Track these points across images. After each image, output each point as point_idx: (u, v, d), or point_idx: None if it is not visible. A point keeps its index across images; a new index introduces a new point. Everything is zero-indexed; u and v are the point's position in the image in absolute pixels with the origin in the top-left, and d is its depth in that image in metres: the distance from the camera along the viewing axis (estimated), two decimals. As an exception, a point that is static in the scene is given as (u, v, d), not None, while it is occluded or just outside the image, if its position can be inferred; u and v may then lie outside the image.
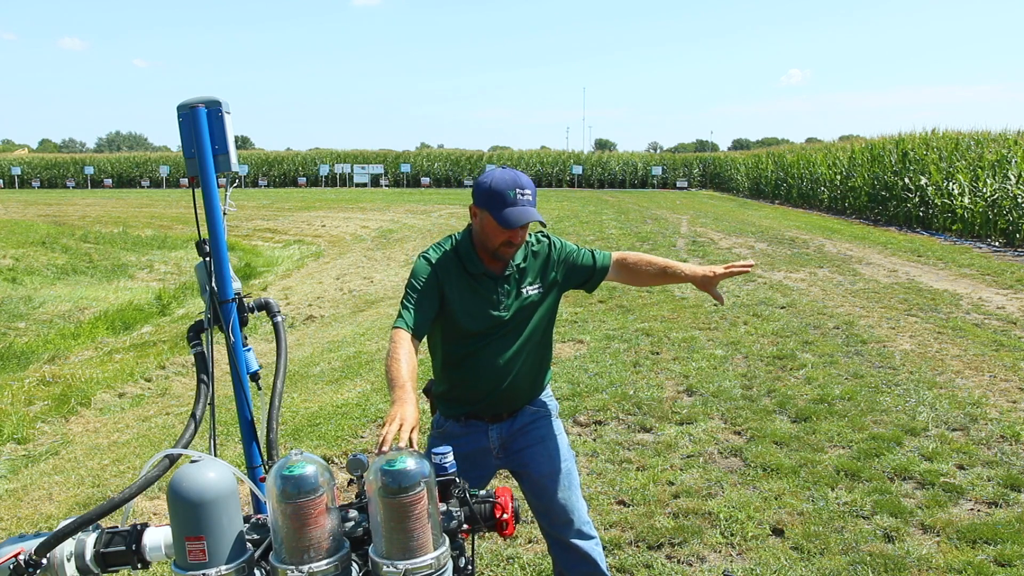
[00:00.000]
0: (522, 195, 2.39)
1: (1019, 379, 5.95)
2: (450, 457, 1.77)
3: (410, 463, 1.48)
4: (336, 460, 4.74)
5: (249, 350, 2.30)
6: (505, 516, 1.73)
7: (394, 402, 2.12)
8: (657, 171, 47.70)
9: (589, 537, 2.69)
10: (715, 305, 8.97)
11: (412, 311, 2.42)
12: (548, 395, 2.72)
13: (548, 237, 2.62)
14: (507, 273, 2.52)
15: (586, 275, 2.62)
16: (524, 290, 2.52)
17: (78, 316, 10.24)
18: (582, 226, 19.25)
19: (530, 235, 2.59)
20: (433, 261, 2.50)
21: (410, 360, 2.30)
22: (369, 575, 1.54)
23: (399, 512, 1.47)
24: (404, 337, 2.36)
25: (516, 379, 2.56)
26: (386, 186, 47.52)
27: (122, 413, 6.33)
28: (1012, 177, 15.49)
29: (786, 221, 20.99)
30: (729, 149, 73.44)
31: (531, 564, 3.45)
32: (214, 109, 2.21)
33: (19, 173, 51.45)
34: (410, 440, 1.91)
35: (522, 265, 2.54)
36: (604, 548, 3.51)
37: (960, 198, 16.90)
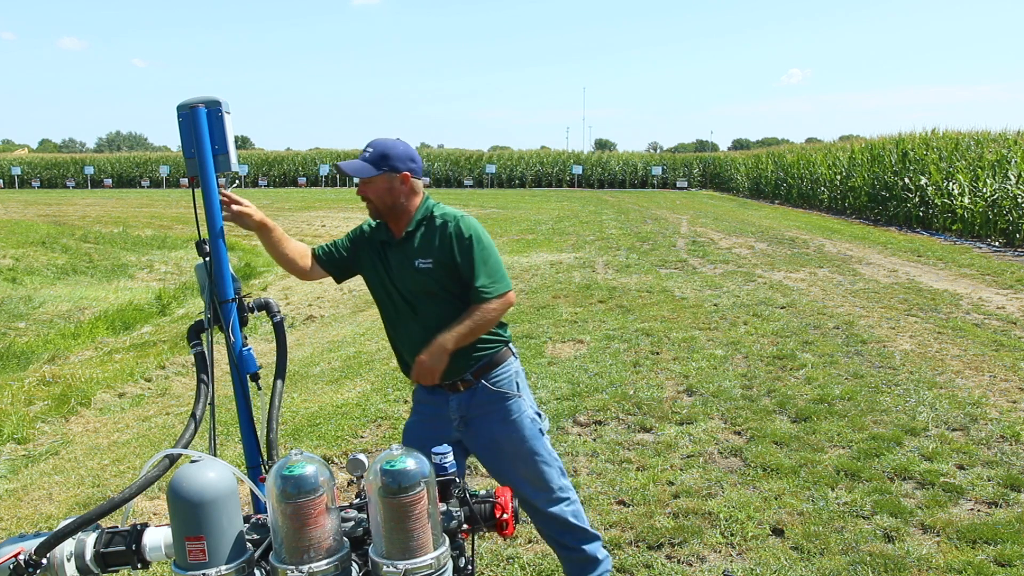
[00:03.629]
0: (364, 152, 2.67)
1: (1019, 379, 5.95)
2: (450, 457, 1.77)
3: (410, 463, 1.49)
4: (336, 460, 4.74)
5: (249, 350, 2.30)
6: (505, 516, 1.74)
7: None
8: (657, 171, 47.68)
9: (557, 501, 2.82)
10: (715, 305, 8.98)
11: (331, 243, 2.87)
12: (506, 372, 2.77)
13: (457, 220, 2.68)
14: (400, 239, 2.71)
15: (464, 284, 2.69)
16: (416, 262, 2.66)
17: (78, 316, 10.24)
18: (582, 226, 19.25)
19: (438, 209, 2.73)
20: (363, 224, 2.87)
21: (298, 246, 2.80)
22: (369, 575, 1.54)
23: (399, 512, 1.47)
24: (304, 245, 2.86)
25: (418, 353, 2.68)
26: (386, 186, 47.41)
27: (122, 413, 6.33)
28: (1012, 177, 15.49)
29: (786, 221, 21.00)
30: (729, 149, 73.38)
31: (531, 564, 3.45)
32: (214, 109, 2.21)
33: (19, 173, 51.42)
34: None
35: (411, 230, 2.70)
36: (604, 548, 3.52)
37: (960, 198, 16.90)
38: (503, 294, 2.65)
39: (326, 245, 2.89)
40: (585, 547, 2.90)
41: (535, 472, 2.76)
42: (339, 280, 2.94)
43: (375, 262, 2.78)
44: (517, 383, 2.78)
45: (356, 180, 2.69)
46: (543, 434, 2.82)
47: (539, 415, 2.84)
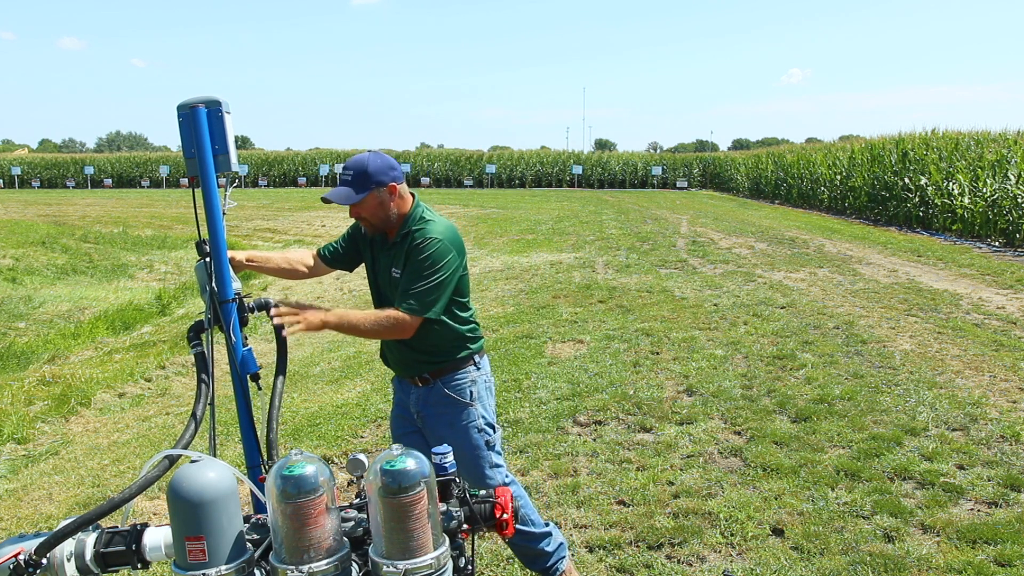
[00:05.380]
0: (344, 176, 2.72)
1: (1019, 379, 5.95)
2: (450, 457, 1.77)
3: (410, 463, 1.48)
4: (336, 460, 4.74)
5: (249, 350, 2.30)
6: (505, 516, 1.73)
7: None
8: (657, 171, 47.65)
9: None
10: (715, 305, 8.98)
11: (333, 242, 3.03)
12: (463, 379, 2.85)
13: (426, 238, 2.72)
14: (390, 244, 2.83)
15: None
16: (392, 270, 2.79)
17: (78, 316, 10.24)
18: (582, 226, 19.24)
19: (421, 223, 2.77)
20: None
21: (288, 255, 2.97)
22: (369, 575, 1.54)
23: (399, 512, 1.47)
24: (303, 250, 3.03)
25: (391, 343, 2.86)
26: (386, 186, 47.41)
27: (122, 413, 6.33)
28: (1012, 177, 15.49)
29: (786, 221, 20.99)
30: (729, 149, 73.36)
31: (531, 564, 3.44)
32: (214, 109, 2.21)
33: (19, 173, 51.38)
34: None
35: (396, 240, 2.80)
36: (604, 548, 3.53)
37: (960, 198, 16.90)
38: (411, 313, 2.66)
39: (330, 244, 3.05)
40: (532, 544, 3.03)
41: (476, 478, 2.84)
42: (351, 269, 3.07)
43: (368, 258, 2.95)
44: (472, 391, 2.86)
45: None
46: (490, 447, 2.89)
47: (491, 427, 2.91)
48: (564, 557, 3.13)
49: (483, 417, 2.89)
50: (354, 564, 1.55)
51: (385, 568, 1.48)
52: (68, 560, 1.58)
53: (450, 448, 1.80)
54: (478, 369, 2.91)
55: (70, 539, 1.59)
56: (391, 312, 2.68)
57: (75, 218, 25.20)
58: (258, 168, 50.99)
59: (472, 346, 2.90)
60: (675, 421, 5.19)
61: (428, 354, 2.83)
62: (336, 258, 3.01)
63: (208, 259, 2.25)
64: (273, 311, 2.42)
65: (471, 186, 46.86)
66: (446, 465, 1.75)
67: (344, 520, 1.64)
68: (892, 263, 12.42)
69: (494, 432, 2.93)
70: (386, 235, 2.86)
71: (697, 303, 9.09)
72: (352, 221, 2.91)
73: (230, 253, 2.51)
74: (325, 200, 2.70)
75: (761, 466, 4.42)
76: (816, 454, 4.57)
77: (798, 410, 5.30)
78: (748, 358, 6.67)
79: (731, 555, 3.51)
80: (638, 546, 3.59)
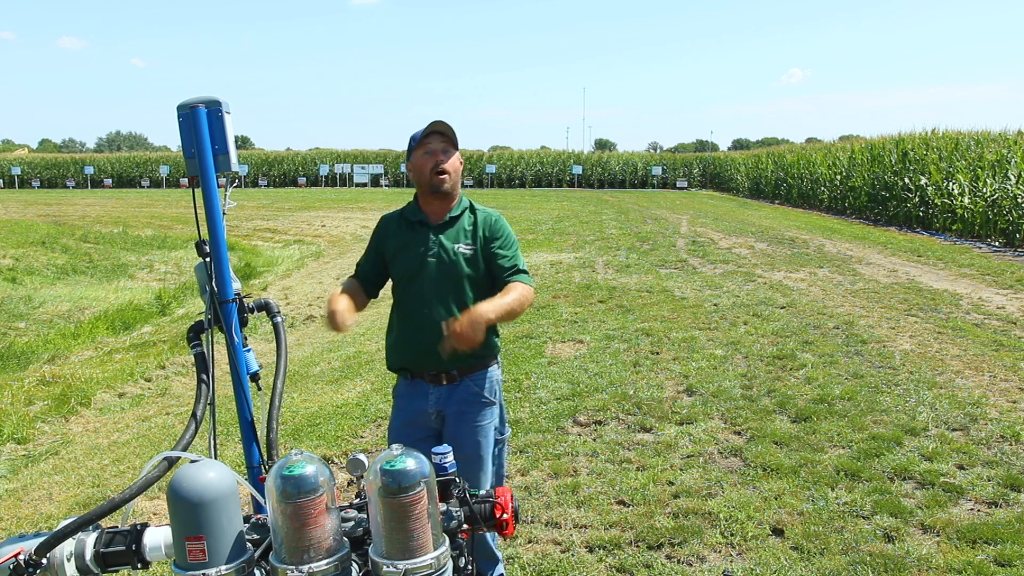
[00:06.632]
0: (440, 121, 2.68)
1: (1019, 379, 5.95)
2: (450, 457, 1.77)
3: (410, 463, 1.48)
4: (336, 460, 4.75)
5: (249, 350, 2.30)
6: (505, 516, 1.73)
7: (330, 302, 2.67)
8: (657, 171, 47.69)
9: None
10: (715, 305, 8.98)
11: (363, 259, 2.91)
12: (490, 377, 2.81)
13: (499, 217, 2.78)
14: (441, 223, 2.75)
15: (494, 272, 2.75)
16: (456, 246, 2.72)
17: (78, 316, 10.23)
18: (582, 226, 19.25)
19: (476, 203, 2.81)
20: (383, 219, 2.90)
21: (350, 291, 2.77)
22: (369, 575, 1.54)
23: (399, 512, 1.47)
24: (352, 280, 2.88)
25: (434, 335, 2.59)
26: (386, 186, 47.52)
27: (122, 413, 6.33)
28: (1012, 177, 15.49)
29: (786, 221, 21.00)
30: (729, 149, 73.40)
31: (531, 564, 3.45)
32: (214, 109, 2.20)
33: (19, 173, 51.39)
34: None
35: (455, 215, 2.75)
36: (604, 548, 3.54)
37: (960, 198, 16.90)
38: (529, 283, 2.74)
39: (359, 268, 2.92)
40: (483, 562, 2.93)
41: (472, 477, 2.78)
42: (376, 294, 2.92)
43: (404, 244, 2.77)
44: (496, 390, 2.83)
45: (428, 149, 2.68)
46: (498, 444, 2.87)
47: (504, 424, 2.90)
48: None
49: (500, 415, 2.86)
50: (354, 564, 1.55)
51: (385, 568, 1.48)
52: (68, 560, 1.58)
53: (450, 448, 1.79)
54: (499, 367, 2.87)
55: (70, 539, 1.59)
56: (519, 285, 2.67)
57: (75, 218, 25.19)
58: (258, 168, 51.00)
59: (499, 342, 2.87)
60: (675, 421, 5.19)
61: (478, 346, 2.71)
62: (368, 278, 2.87)
63: (208, 259, 2.25)
64: (449, 332, 2.44)
65: (471, 186, 46.86)
66: (446, 465, 1.75)
67: (344, 520, 1.64)
68: (892, 263, 12.42)
69: (506, 428, 2.91)
70: (425, 217, 2.76)
71: (697, 303, 9.09)
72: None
73: (337, 309, 2.56)
74: (436, 131, 2.65)
75: (761, 466, 4.42)
76: (816, 454, 4.57)
77: (798, 410, 5.30)
78: (748, 358, 6.67)
79: (731, 555, 3.51)
80: (638, 546, 3.59)
